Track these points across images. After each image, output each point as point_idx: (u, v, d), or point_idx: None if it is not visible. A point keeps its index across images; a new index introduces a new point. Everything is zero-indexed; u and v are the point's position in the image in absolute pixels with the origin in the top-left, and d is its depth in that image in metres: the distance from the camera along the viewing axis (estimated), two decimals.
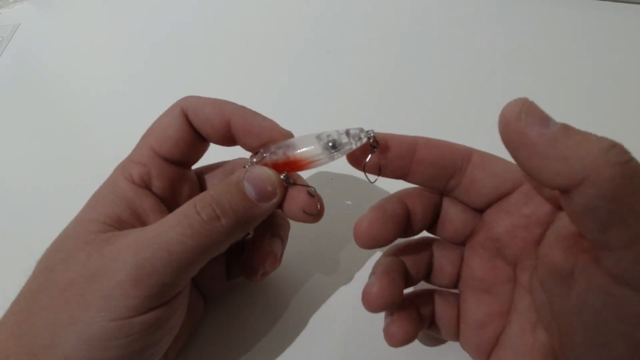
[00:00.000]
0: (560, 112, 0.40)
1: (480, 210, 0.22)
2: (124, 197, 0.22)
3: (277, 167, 0.22)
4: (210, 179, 0.27)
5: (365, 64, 0.44)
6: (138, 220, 0.22)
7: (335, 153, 0.21)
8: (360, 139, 0.20)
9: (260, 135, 0.23)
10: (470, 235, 0.22)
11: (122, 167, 0.23)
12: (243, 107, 0.23)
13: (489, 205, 0.21)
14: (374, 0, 0.52)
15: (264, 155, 0.22)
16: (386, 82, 0.42)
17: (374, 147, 0.20)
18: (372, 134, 0.20)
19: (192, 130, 0.24)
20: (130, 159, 0.23)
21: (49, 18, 0.59)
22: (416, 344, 0.25)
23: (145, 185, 0.23)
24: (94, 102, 0.45)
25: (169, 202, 0.24)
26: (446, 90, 0.41)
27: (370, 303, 0.20)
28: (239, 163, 0.26)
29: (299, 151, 0.21)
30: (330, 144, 0.21)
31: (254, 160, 0.23)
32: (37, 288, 0.19)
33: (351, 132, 0.21)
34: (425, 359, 0.25)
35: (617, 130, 0.35)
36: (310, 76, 0.44)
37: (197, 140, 0.24)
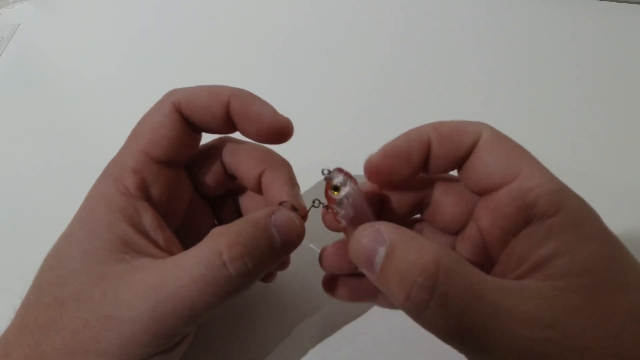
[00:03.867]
0: (560, 111, 0.40)
1: (480, 195, 0.21)
2: (124, 217, 0.20)
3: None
4: (200, 169, 0.24)
5: (365, 64, 0.44)
6: (145, 237, 0.20)
7: None
8: None
9: (258, 122, 0.22)
10: (462, 228, 0.22)
11: (114, 178, 0.21)
12: (241, 90, 0.22)
13: (482, 193, 0.20)
14: (374, 1, 0.52)
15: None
16: (386, 81, 0.42)
17: None
18: None
19: (186, 126, 0.22)
20: (120, 167, 0.21)
21: (49, 18, 0.59)
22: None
23: (142, 195, 0.21)
24: (93, 102, 0.45)
25: (166, 209, 0.22)
26: (446, 90, 0.41)
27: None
28: (231, 148, 0.24)
29: None
30: None
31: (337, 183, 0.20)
32: (47, 323, 0.18)
33: None
34: None
35: (617, 130, 0.35)
36: (310, 76, 0.44)
37: (192, 135, 0.23)
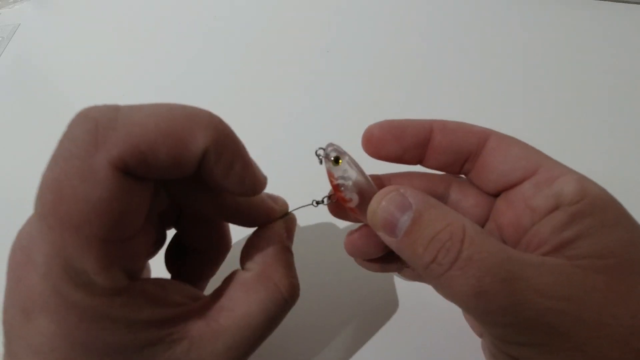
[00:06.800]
0: (560, 111, 0.40)
1: (494, 196, 0.21)
2: (136, 313, 0.16)
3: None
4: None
5: (365, 64, 0.44)
6: (163, 305, 0.17)
7: None
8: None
9: (235, 186, 0.18)
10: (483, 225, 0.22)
11: (84, 286, 0.14)
12: (219, 134, 0.16)
13: (499, 192, 0.21)
14: (374, 1, 0.52)
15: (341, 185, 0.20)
16: (386, 81, 0.42)
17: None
18: None
19: (135, 183, 0.15)
20: (82, 271, 0.14)
21: (49, 18, 0.59)
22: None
23: (127, 281, 0.16)
24: (93, 102, 0.45)
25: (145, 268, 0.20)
26: (447, 90, 0.41)
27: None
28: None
29: None
30: None
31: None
32: None
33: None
34: None
35: (617, 130, 0.35)
36: (310, 76, 0.44)
37: (143, 188, 0.16)
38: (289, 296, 0.19)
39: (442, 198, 0.22)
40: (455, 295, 0.16)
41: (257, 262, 0.20)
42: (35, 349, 0.15)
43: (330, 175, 0.20)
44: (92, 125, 0.14)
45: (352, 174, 0.20)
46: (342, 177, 0.20)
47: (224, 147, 0.16)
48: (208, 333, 0.17)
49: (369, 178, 0.20)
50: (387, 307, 0.27)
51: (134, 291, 0.16)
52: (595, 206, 0.17)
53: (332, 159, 0.19)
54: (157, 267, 0.23)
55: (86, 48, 0.52)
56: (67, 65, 0.51)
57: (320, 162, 0.20)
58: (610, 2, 0.45)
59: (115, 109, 0.15)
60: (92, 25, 0.56)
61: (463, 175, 0.22)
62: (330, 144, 0.20)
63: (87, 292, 0.14)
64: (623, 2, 0.45)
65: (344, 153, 0.20)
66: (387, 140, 0.20)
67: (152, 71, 0.48)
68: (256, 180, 0.18)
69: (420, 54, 0.45)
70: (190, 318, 0.17)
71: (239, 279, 0.19)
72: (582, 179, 0.18)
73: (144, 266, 0.19)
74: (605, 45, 0.42)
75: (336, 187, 0.20)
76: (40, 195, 0.15)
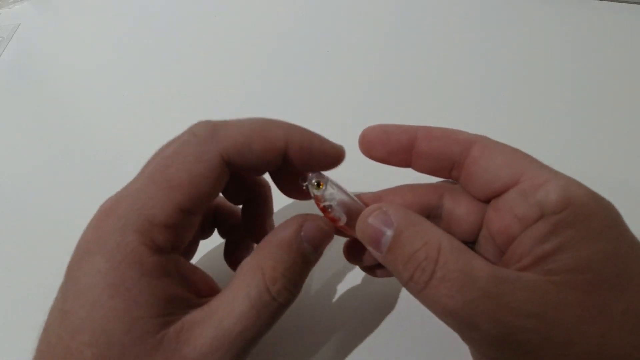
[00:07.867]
0: (559, 112, 0.40)
1: (487, 202, 0.21)
2: (162, 273, 0.18)
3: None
4: None
5: (364, 64, 0.44)
6: (186, 289, 0.19)
7: None
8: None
9: (321, 161, 0.21)
10: (477, 236, 0.22)
11: (139, 232, 0.17)
12: (295, 130, 0.20)
13: (489, 199, 0.20)
14: (374, 1, 0.52)
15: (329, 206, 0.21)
16: (386, 82, 0.42)
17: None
18: None
19: (228, 174, 0.20)
20: (146, 219, 0.18)
21: (49, 18, 0.59)
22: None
23: (172, 248, 0.19)
24: (94, 103, 0.45)
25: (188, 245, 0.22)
26: (446, 90, 0.41)
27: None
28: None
29: None
30: None
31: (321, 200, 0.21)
32: None
33: None
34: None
35: (617, 130, 0.35)
36: (310, 76, 0.44)
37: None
38: (273, 287, 0.18)
39: (436, 208, 0.22)
40: (432, 310, 0.17)
41: (255, 252, 0.20)
42: (79, 287, 0.17)
43: (317, 200, 0.21)
44: (211, 126, 0.19)
45: (336, 194, 0.21)
46: (327, 200, 0.21)
47: (299, 136, 0.20)
48: (200, 316, 0.18)
49: (354, 197, 0.21)
50: (387, 307, 0.27)
51: (170, 260, 0.18)
52: (578, 215, 0.17)
53: (315, 184, 0.21)
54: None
55: (86, 48, 0.53)
56: (67, 65, 0.51)
57: (305, 189, 0.21)
58: (610, 2, 0.45)
59: (223, 121, 0.20)
60: (92, 25, 0.56)
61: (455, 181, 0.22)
62: (311, 172, 0.21)
63: (138, 238, 0.17)
64: (623, 2, 0.45)
65: (326, 177, 0.21)
66: (376, 144, 0.21)
67: (152, 70, 0.48)
68: (335, 149, 0.21)
69: (420, 54, 0.45)
70: (195, 306, 0.18)
71: (239, 267, 0.20)
72: (567, 185, 0.17)
73: (182, 249, 0.20)
74: (605, 45, 0.42)
75: (324, 209, 0.21)
76: (152, 162, 0.19)
